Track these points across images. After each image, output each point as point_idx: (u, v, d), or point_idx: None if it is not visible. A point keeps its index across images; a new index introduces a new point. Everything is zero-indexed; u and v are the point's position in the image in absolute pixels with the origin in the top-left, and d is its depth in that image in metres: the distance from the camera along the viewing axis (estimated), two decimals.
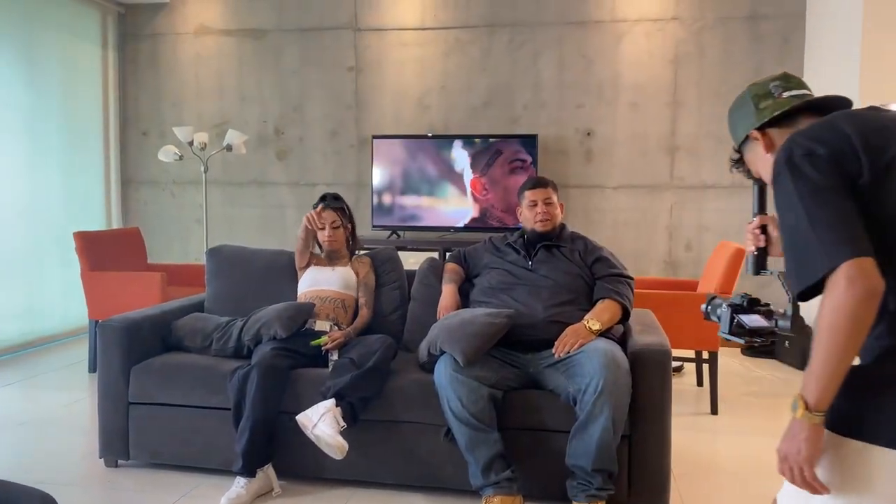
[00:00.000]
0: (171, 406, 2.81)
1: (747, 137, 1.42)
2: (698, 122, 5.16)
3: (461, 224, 5.19)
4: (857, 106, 1.34)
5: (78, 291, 4.43)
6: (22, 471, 2.85)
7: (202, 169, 5.21)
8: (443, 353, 2.56)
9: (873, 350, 1.18)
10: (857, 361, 1.18)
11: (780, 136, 1.35)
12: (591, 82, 5.28)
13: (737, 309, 1.43)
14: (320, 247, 3.20)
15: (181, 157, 5.23)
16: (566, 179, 5.30)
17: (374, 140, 5.32)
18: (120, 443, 2.84)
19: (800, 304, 1.28)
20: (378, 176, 5.31)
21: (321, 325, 2.95)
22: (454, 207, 5.22)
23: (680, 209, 5.23)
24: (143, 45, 5.92)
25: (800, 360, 4.52)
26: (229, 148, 5.25)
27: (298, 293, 3.11)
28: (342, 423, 2.51)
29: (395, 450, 2.63)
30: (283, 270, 3.27)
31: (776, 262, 1.43)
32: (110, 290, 4.23)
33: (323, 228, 3.08)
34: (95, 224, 5.70)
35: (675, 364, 4.19)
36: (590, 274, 2.81)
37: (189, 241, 5.93)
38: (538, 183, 2.96)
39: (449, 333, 2.55)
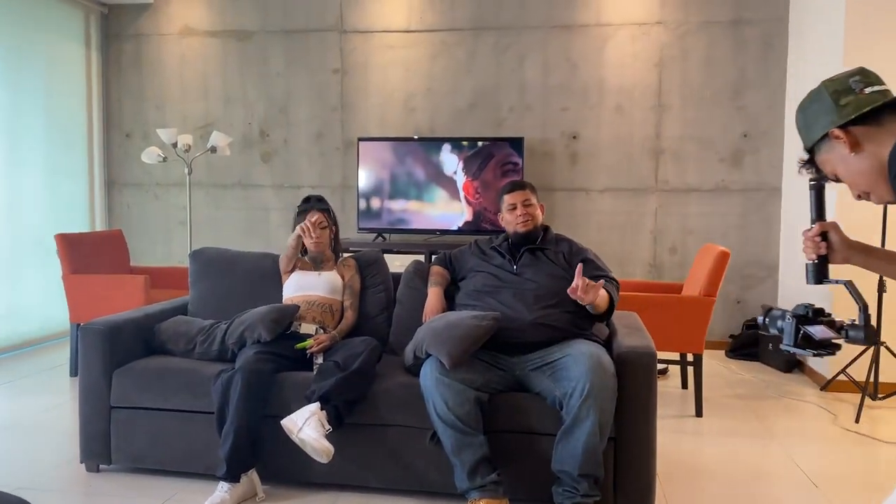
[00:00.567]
0: (154, 410, 2.78)
1: (825, 136, 1.32)
2: (682, 125, 5.19)
3: (455, 227, 5.18)
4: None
5: (59, 294, 4.37)
6: (1, 476, 2.81)
7: (186, 171, 5.17)
8: (429, 355, 2.55)
9: None
10: None
11: (864, 134, 1.27)
12: (577, 86, 5.30)
13: (802, 320, 1.36)
14: (304, 251, 3.18)
15: (165, 159, 5.19)
16: (552, 182, 5.31)
17: (360, 142, 5.30)
18: (101, 447, 2.81)
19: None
20: (364, 178, 5.30)
21: (307, 328, 2.93)
22: (441, 211, 5.22)
23: (664, 212, 5.26)
24: (126, 45, 5.87)
25: (783, 362, 4.56)
26: (213, 150, 5.21)
27: (284, 298, 3.09)
28: (327, 427, 2.50)
29: (380, 453, 2.62)
30: (267, 273, 3.24)
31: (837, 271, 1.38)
32: (92, 293, 4.18)
33: (309, 229, 3.07)
34: (79, 226, 5.64)
35: (659, 367, 4.21)
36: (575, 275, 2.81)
37: (173, 244, 5.88)
38: (515, 186, 2.98)
39: (435, 336, 2.55)
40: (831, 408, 3.72)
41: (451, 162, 5.20)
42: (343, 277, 3.13)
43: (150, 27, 5.81)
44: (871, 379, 3.68)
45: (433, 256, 3.21)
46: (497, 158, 5.14)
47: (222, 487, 2.55)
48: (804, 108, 1.37)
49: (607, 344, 2.71)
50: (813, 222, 1.44)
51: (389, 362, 2.84)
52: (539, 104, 5.35)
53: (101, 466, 2.87)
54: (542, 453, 2.45)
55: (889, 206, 3.64)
